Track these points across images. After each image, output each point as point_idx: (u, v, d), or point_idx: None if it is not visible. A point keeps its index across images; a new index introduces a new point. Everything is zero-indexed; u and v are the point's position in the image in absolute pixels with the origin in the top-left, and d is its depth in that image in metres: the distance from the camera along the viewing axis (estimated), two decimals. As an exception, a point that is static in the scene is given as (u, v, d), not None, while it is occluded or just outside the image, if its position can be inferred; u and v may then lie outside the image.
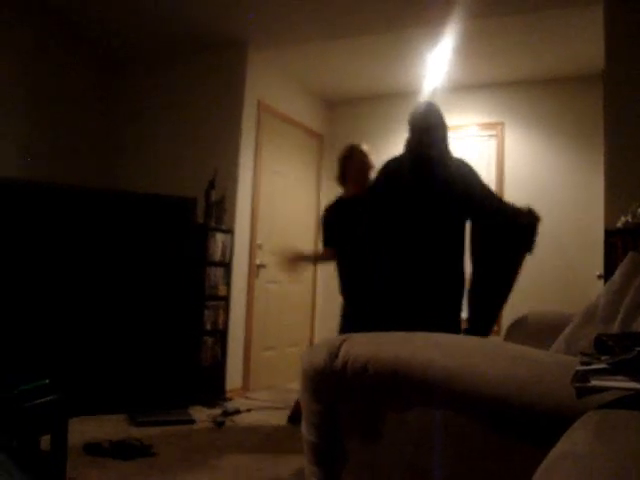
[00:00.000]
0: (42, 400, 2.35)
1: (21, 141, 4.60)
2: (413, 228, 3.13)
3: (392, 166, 3.34)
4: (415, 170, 3.22)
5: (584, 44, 4.62)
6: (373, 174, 3.69)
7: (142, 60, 5.59)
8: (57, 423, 2.42)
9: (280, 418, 4.16)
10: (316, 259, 4.44)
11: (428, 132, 3.24)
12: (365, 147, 3.99)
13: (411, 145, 3.30)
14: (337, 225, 3.85)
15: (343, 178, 3.97)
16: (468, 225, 3.22)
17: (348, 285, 3.74)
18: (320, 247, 4.21)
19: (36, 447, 2.35)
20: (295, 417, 4.02)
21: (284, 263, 3.88)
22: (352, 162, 3.94)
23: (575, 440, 0.70)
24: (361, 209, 3.40)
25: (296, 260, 3.96)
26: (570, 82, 5.36)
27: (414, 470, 1.21)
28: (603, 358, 0.82)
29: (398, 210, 3.17)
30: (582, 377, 0.82)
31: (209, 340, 4.61)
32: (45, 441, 2.38)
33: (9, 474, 1.25)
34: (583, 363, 0.85)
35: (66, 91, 5.05)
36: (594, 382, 0.80)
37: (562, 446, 0.70)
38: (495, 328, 5.36)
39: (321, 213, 4.15)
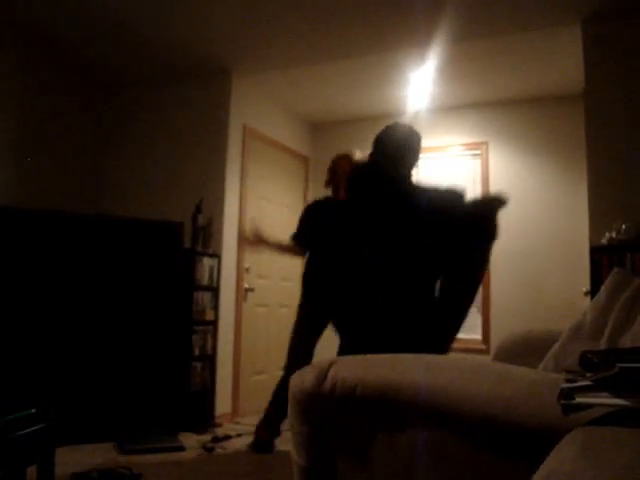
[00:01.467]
0: (28, 430, 2.32)
1: (7, 167, 4.59)
2: (385, 248, 3.13)
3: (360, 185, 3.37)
4: (390, 192, 3.22)
5: (565, 64, 4.69)
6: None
7: (128, 88, 5.61)
8: (44, 453, 2.39)
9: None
10: (281, 249, 4.28)
11: (404, 157, 3.24)
12: (350, 154, 4.13)
13: (383, 165, 3.30)
14: (316, 225, 3.96)
15: (335, 189, 4.14)
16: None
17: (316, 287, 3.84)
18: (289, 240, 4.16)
19: (22, 478, 2.32)
20: (257, 444, 3.98)
21: (250, 239, 4.08)
22: (336, 174, 4.09)
23: (561, 458, 0.70)
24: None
25: (259, 241, 4.07)
26: (553, 101, 5.44)
27: (405, 492, 1.20)
28: (587, 375, 0.83)
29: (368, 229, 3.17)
30: (568, 394, 0.83)
31: (198, 365, 4.58)
32: (32, 472, 2.35)
33: None
34: (568, 380, 0.85)
35: (53, 118, 5.05)
36: (579, 399, 0.80)
37: (549, 464, 0.70)
38: (484, 347, 5.38)
39: (305, 207, 4.22)
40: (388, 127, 3.26)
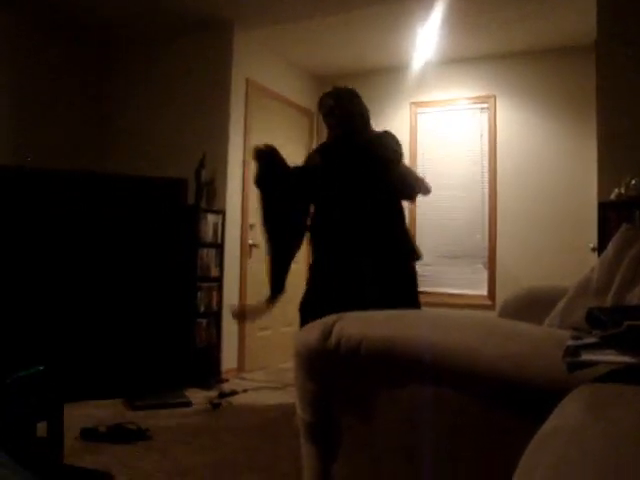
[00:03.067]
0: (37, 386, 2.35)
1: (10, 126, 4.55)
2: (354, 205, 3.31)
3: (321, 151, 3.62)
4: (343, 150, 3.44)
5: (576, 15, 4.58)
6: None
7: (129, 42, 5.52)
8: (53, 409, 2.42)
9: (276, 398, 4.17)
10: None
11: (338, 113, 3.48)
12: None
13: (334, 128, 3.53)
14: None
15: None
16: None
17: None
18: None
19: (32, 434, 2.35)
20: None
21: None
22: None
23: (566, 414, 0.70)
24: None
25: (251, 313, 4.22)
26: (562, 53, 5.33)
27: (409, 447, 1.21)
28: (594, 332, 0.82)
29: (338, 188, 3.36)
30: (573, 352, 0.82)
31: (203, 322, 4.61)
32: (41, 427, 2.38)
33: (13, 471, 1.25)
34: (574, 337, 0.84)
35: (54, 74, 5.00)
36: (585, 356, 0.80)
37: (553, 420, 0.70)
38: (490, 303, 5.40)
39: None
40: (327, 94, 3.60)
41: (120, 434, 3.06)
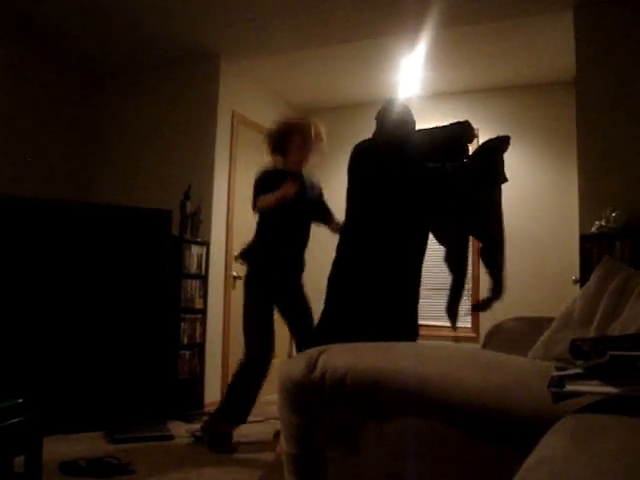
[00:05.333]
0: (15, 420, 2.31)
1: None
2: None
3: (367, 151, 3.25)
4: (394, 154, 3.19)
5: (556, 51, 4.68)
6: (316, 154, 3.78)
7: (117, 74, 5.56)
8: (31, 443, 2.37)
9: (259, 431, 4.12)
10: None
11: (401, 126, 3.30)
12: (308, 121, 3.81)
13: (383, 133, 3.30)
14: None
15: (282, 149, 3.75)
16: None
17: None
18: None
19: (10, 468, 2.30)
20: (213, 441, 3.67)
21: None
22: (297, 137, 3.73)
23: (551, 445, 0.70)
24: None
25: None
26: (544, 88, 5.43)
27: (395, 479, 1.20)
28: (578, 363, 0.82)
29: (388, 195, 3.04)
30: (558, 382, 0.82)
31: (186, 354, 4.57)
32: (19, 462, 2.33)
33: None
34: (558, 368, 0.85)
35: (41, 105, 5.00)
36: (569, 387, 0.80)
37: (539, 451, 0.70)
38: (474, 335, 5.40)
39: (257, 175, 3.74)
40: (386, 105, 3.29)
41: (101, 468, 3.00)
